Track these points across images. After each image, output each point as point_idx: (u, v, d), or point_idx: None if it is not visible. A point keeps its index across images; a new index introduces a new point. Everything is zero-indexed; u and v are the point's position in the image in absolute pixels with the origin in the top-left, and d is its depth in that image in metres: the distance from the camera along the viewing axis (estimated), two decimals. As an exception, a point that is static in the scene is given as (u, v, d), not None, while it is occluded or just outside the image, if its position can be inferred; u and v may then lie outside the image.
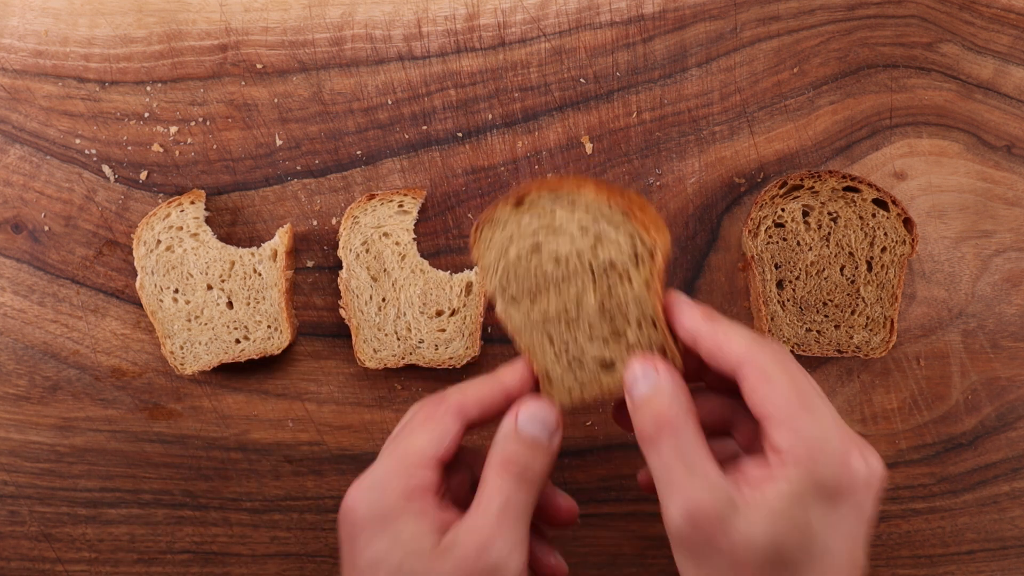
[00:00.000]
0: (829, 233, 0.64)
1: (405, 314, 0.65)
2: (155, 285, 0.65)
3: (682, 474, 0.43)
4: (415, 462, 0.46)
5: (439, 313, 0.65)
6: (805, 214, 0.64)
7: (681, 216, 0.66)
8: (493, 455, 0.47)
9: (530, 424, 0.47)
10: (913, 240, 0.62)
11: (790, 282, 0.64)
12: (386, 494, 0.45)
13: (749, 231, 0.63)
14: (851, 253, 0.63)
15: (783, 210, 0.64)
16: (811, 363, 0.67)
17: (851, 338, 0.64)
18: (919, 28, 0.66)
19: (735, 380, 0.46)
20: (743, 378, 0.45)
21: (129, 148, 0.67)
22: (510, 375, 0.50)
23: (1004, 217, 0.66)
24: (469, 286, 0.65)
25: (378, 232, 0.65)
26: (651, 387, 0.47)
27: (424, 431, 0.47)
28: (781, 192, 0.63)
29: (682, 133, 0.66)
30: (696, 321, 0.48)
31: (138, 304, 0.67)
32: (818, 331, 0.64)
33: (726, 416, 0.52)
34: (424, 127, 0.67)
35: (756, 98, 0.66)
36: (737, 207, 0.66)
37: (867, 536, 0.45)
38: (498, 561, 0.43)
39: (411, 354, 0.65)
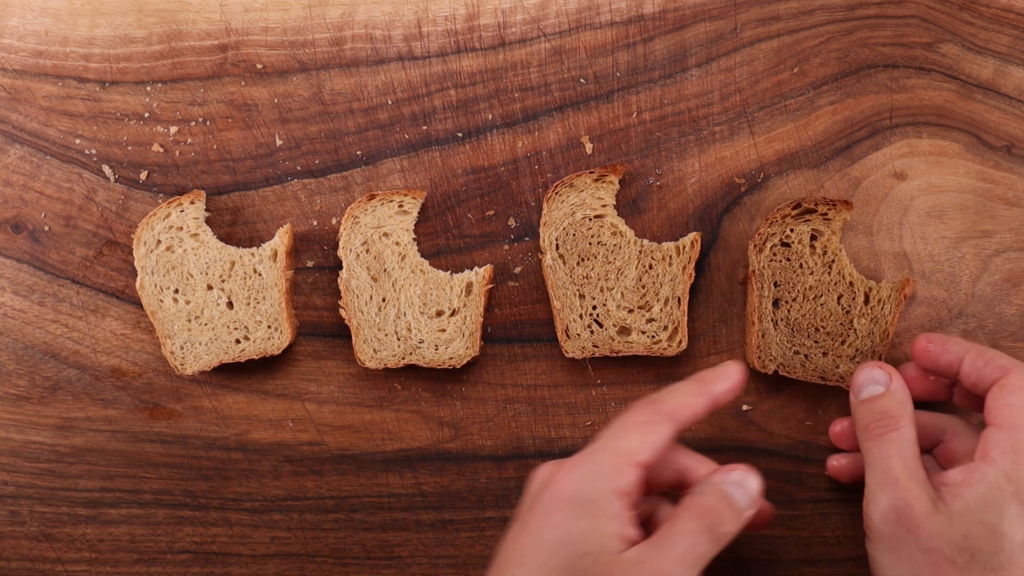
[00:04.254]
0: (833, 261, 0.63)
1: (405, 314, 0.65)
2: (155, 285, 0.65)
3: (900, 471, 0.51)
4: (627, 460, 0.49)
5: (439, 313, 0.65)
6: (813, 238, 0.63)
7: (681, 216, 0.66)
8: (694, 499, 0.50)
9: (735, 488, 0.50)
10: (909, 283, 0.62)
11: (786, 302, 0.63)
12: (597, 483, 0.48)
13: (755, 245, 0.63)
14: (851, 283, 0.63)
15: (792, 230, 0.63)
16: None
17: (837, 367, 0.63)
18: (919, 28, 0.66)
19: (979, 391, 0.54)
20: (1002, 384, 0.52)
21: (129, 148, 0.67)
22: (720, 384, 0.53)
23: (1004, 217, 0.66)
24: (469, 286, 0.65)
25: (378, 232, 0.65)
26: (884, 388, 0.55)
27: (639, 433, 0.50)
28: (793, 212, 0.63)
29: (682, 133, 0.66)
30: (962, 343, 0.56)
31: (138, 304, 0.67)
32: (805, 355, 0.63)
33: (934, 435, 0.60)
34: (424, 127, 0.67)
35: (756, 98, 0.66)
36: (737, 207, 0.66)
37: None
38: None
39: (411, 354, 0.65)
